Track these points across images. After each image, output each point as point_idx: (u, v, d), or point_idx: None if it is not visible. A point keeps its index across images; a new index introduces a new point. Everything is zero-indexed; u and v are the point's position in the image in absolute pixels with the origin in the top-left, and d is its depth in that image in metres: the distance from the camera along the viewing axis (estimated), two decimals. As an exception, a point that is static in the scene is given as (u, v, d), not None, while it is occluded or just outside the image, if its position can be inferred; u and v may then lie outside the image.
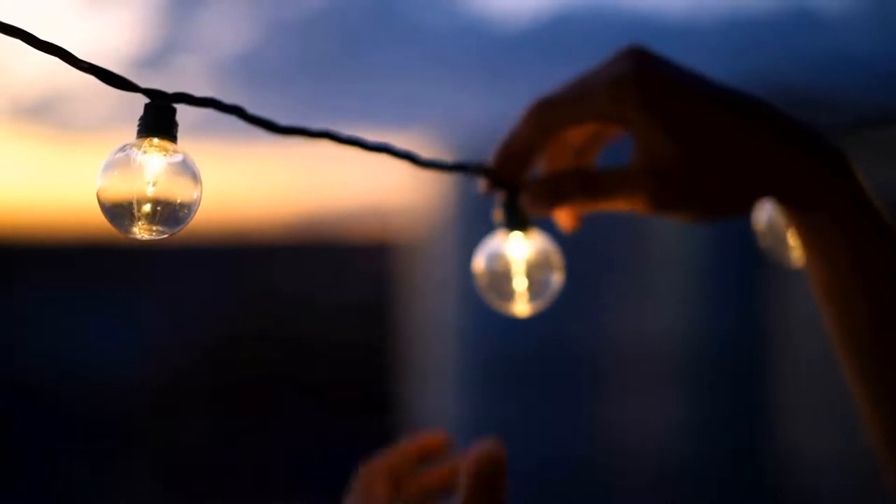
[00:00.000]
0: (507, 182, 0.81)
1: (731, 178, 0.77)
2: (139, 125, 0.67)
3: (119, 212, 0.66)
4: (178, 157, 0.67)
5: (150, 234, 0.66)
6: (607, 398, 4.21)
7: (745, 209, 0.78)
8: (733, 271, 4.21)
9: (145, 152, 0.66)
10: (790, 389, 4.12)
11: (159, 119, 0.67)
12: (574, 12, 5.47)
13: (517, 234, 0.83)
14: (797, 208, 0.76)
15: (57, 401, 5.38)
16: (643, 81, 0.76)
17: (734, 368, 4.23)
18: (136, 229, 0.66)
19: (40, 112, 5.64)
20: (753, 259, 4.17)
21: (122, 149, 0.67)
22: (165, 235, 0.67)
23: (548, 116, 0.79)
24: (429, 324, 4.53)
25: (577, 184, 0.79)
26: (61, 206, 5.56)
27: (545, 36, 5.22)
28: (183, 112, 0.67)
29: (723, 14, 5.05)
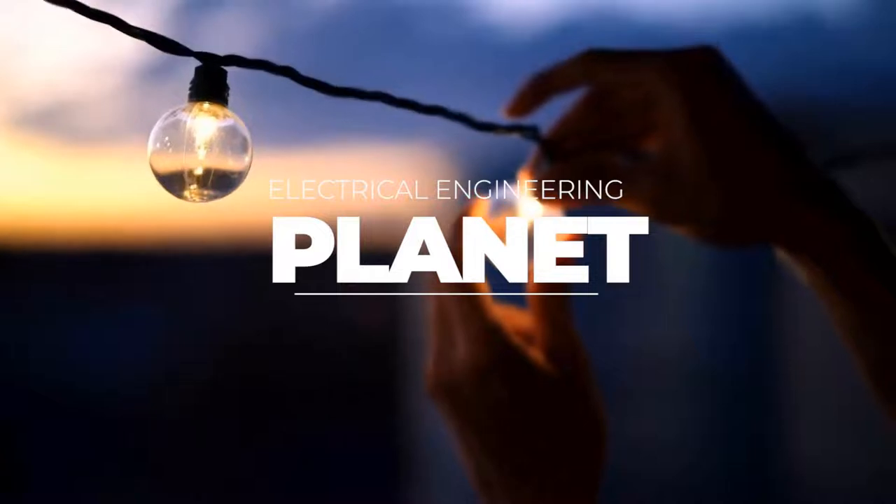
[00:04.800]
0: (556, 153, 0.79)
1: (747, 217, 0.75)
2: (190, 89, 0.67)
3: (170, 177, 0.67)
4: (229, 122, 0.68)
5: (202, 199, 0.68)
6: (618, 410, 4.20)
7: (753, 246, 0.77)
8: (743, 281, 4.20)
9: (196, 117, 0.67)
10: (801, 400, 4.11)
11: (210, 83, 0.67)
12: (579, 21, 5.47)
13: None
14: (816, 266, 0.75)
15: (65, 406, 5.39)
16: (700, 77, 0.74)
17: (744, 379, 4.23)
18: (187, 193, 0.67)
19: (47, 121, 5.65)
20: (762, 269, 4.17)
21: (173, 113, 0.67)
22: (216, 199, 0.68)
23: (597, 60, 0.77)
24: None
25: (591, 181, 0.77)
26: (68, 213, 5.57)
27: (551, 45, 5.22)
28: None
29: (729, 23, 5.05)
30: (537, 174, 0.79)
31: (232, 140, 0.68)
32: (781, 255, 0.78)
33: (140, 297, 5.72)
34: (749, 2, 5.06)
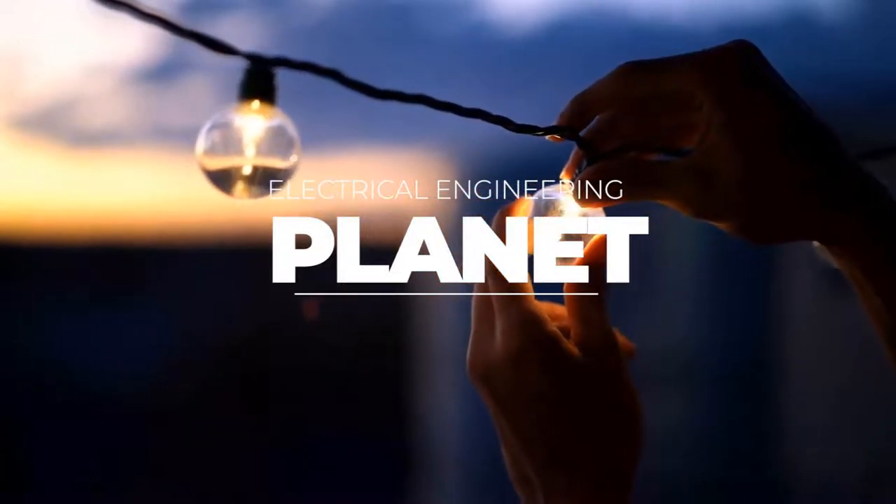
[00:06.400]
0: (592, 152, 0.80)
1: (779, 215, 0.75)
2: (239, 89, 0.69)
3: (219, 175, 0.68)
4: (277, 122, 0.69)
5: (250, 196, 0.69)
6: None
7: (789, 241, 0.77)
8: (743, 281, 4.21)
9: (245, 116, 0.68)
10: (800, 400, 4.11)
11: (259, 83, 0.69)
12: (575, 19, 5.48)
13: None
14: (848, 261, 0.75)
15: (65, 406, 5.40)
16: (734, 76, 0.74)
17: (744, 379, 4.23)
18: (235, 192, 0.68)
19: (49, 121, 5.66)
20: (762, 269, 4.17)
21: (223, 113, 0.69)
22: (264, 197, 0.69)
23: (631, 74, 0.77)
24: (441, 325, 4.53)
25: (628, 180, 0.78)
26: (68, 214, 5.57)
27: (547, 43, 5.23)
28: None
29: (724, 21, 5.06)
30: (577, 174, 0.80)
31: (279, 140, 0.69)
32: (817, 246, 0.79)
33: (140, 296, 5.73)
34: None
